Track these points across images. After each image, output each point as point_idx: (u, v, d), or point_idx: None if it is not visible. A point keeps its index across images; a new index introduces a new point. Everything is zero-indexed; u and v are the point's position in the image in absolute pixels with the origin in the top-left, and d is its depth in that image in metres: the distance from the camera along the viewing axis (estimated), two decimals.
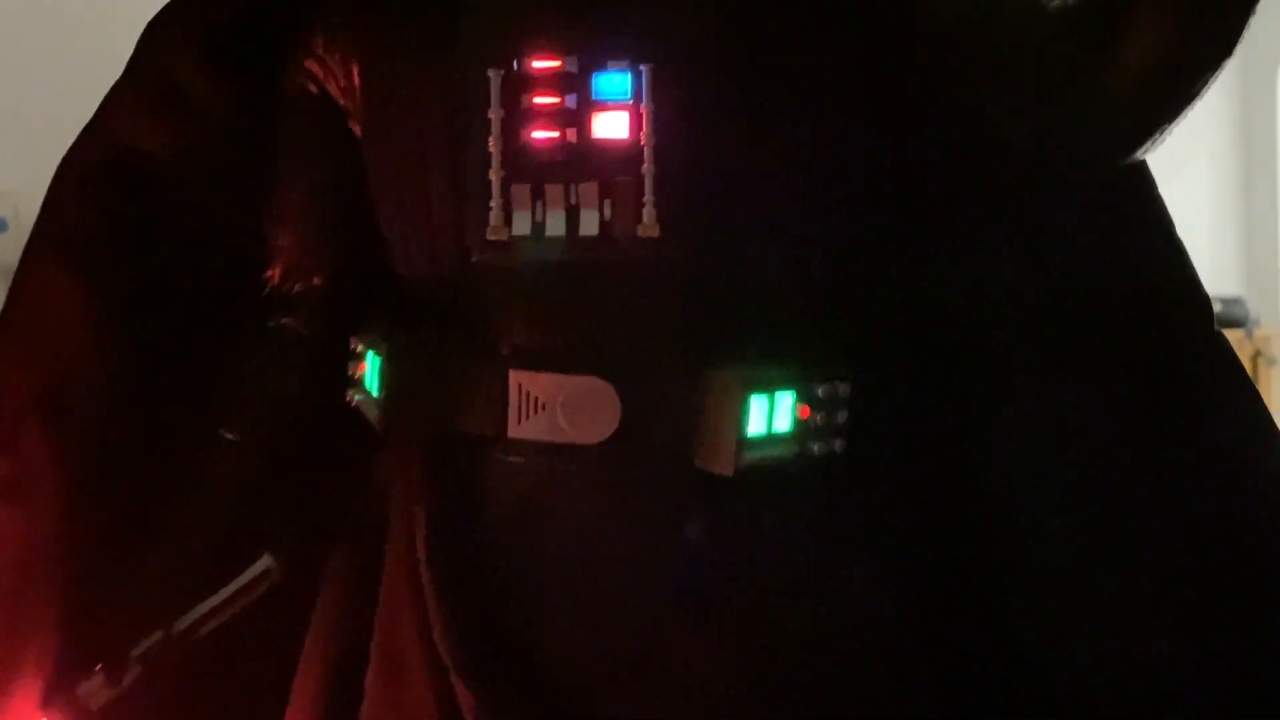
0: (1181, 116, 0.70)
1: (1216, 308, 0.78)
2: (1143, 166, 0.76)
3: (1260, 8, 0.66)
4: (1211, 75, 0.68)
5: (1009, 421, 0.78)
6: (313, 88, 0.79)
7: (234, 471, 0.82)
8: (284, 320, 0.83)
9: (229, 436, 0.82)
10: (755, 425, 0.70)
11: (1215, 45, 0.67)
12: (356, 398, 0.79)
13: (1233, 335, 3.81)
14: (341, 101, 0.79)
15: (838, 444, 0.73)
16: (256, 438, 0.82)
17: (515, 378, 0.71)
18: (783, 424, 0.71)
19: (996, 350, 0.78)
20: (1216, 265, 4.17)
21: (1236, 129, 4.17)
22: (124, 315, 0.80)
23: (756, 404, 0.70)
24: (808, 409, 0.72)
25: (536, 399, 0.71)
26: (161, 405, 0.82)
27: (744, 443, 0.69)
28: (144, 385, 0.81)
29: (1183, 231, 0.77)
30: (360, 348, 0.78)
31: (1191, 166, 3.88)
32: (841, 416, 0.73)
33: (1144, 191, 0.77)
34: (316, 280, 0.82)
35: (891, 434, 0.76)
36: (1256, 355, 3.95)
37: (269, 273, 0.82)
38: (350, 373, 0.79)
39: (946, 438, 0.79)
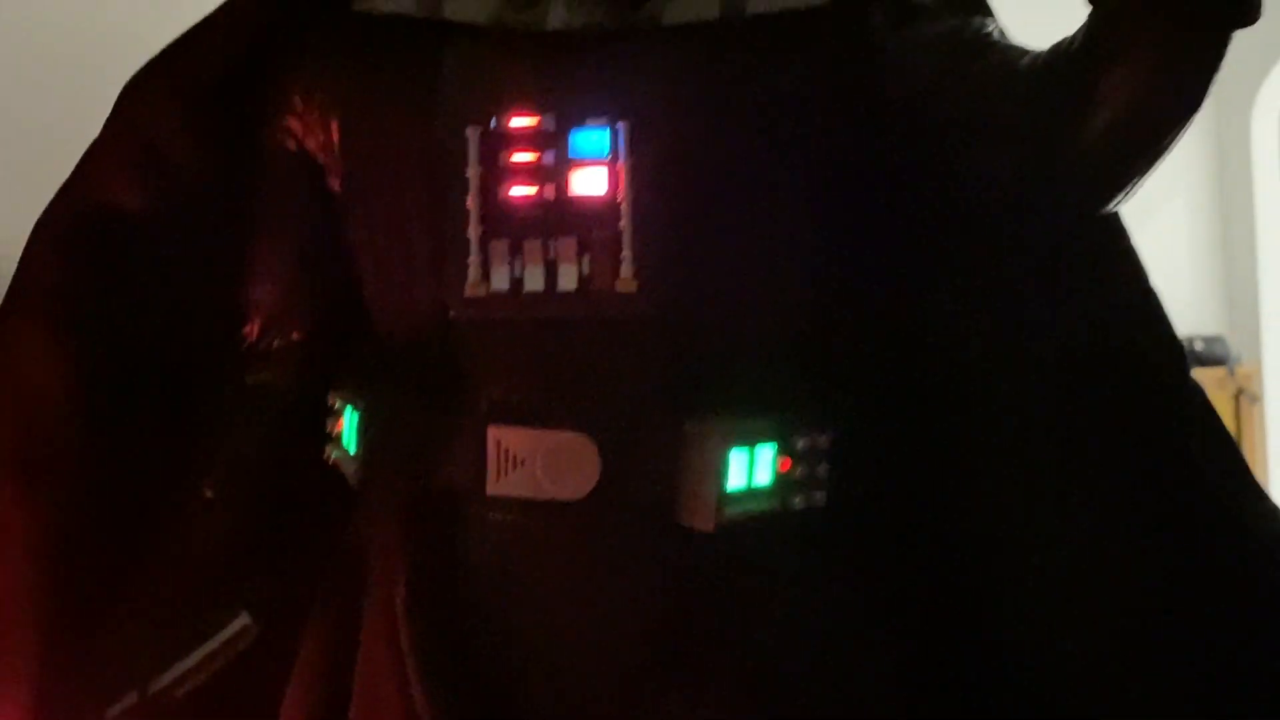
0: (1152, 170, 0.71)
1: (1198, 346, 0.79)
2: (1115, 218, 0.77)
3: (1233, 45, 0.67)
4: (1180, 129, 0.68)
5: (989, 472, 0.79)
6: (291, 144, 0.80)
7: (211, 529, 0.81)
8: (262, 376, 0.82)
9: (206, 494, 0.82)
10: (736, 479, 0.69)
11: (1183, 101, 0.68)
12: (334, 454, 0.78)
13: (1215, 373, 3.85)
14: (320, 158, 0.79)
15: (819, 497, 0.73)
16: (234, 495, 0.82)
17: (494, 433, 0.71)
18: (763, 478, 0.71)
19: (975, 401, 0.79)
20: (1197, 304, 4.19)
21: (1212, 169, 4.20)
22: (100, 373, 0.80)
23: (736, 458, 0.69)
24: (789, 462, 0.72)
25: (515, 455, 0.70)
26: (138, 463, 0.81)
27: (724, 498, 0.69)
28: (120, 443, 0.80)
29: (1162, 271, 0.78)
30: (338, 404, 0.78)
31: (1169, 207, 3.92)
32: (822, 469, 0.73)
33: (1117, 243, 0.78)
34: (295, 335, 0.82)
35: (873, 486, 0.76)
36: (1239, 393, 3.96)
37: (247, 328, 0.82)
38: (327, 429, 0.78)
39: (928, 489, 0.79)
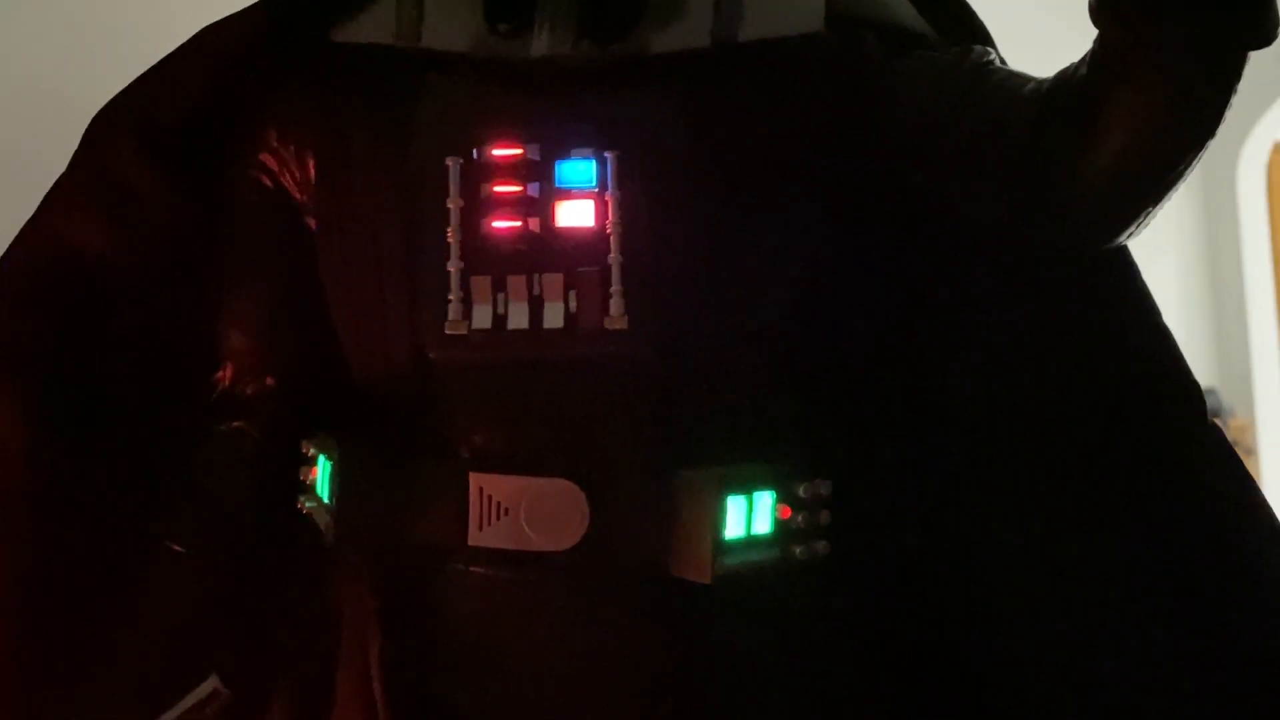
0: (1165, 200, 0.67)
1: (1189, 366, 0.75)
2: (1125, 252, 0.74)
3: None
4: (1194, 158, 0.65)
5: (997, 515, 0.75)
6: (267, 181, 0.76)
7: (179, 585, 0.77)
8: (234, 423, 0.78)
9: (174, 548, 0.77)
10: (733, 528, 0.65)
11: (1197, 128, 0.63)
12: (307, 504, 0.74)
13: None
14: (296, 195, 0.76)
15: (821, 546, 0.69)
16: (203, 549, 0.77)
17: (476, 481, 0.67)
18: (762, 526, 0.67)
19: (982, 441, 0.75)
20: (1188, 358, 4.19)
21: (1199, 221, 4.22)
22: (61, 425, 0.75)
23: (734, 505, 0.65)
24: (788, 509, 0.68)
25: (498, 503, 0.66)
26: (101, 517, 0.77)
27: (721, 548, 0.65)
28: (82, 497, 0.76)
29: None
30: (312, 451, 0.74)
31: (1157, 260, 3.93)
32: (824, 517, 0.69)
33: (1128, 277, 0.75)
34: (269, 381, 0.78)
35: (876, 533, 0.72)
36: (1233, 445, 3.94)
37: (219, 374, 0.78)
38: (301, 478, 0.74)
39: (932, 535, 0.75)
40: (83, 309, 0.76)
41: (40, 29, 3.07)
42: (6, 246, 0.77)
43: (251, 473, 0.78)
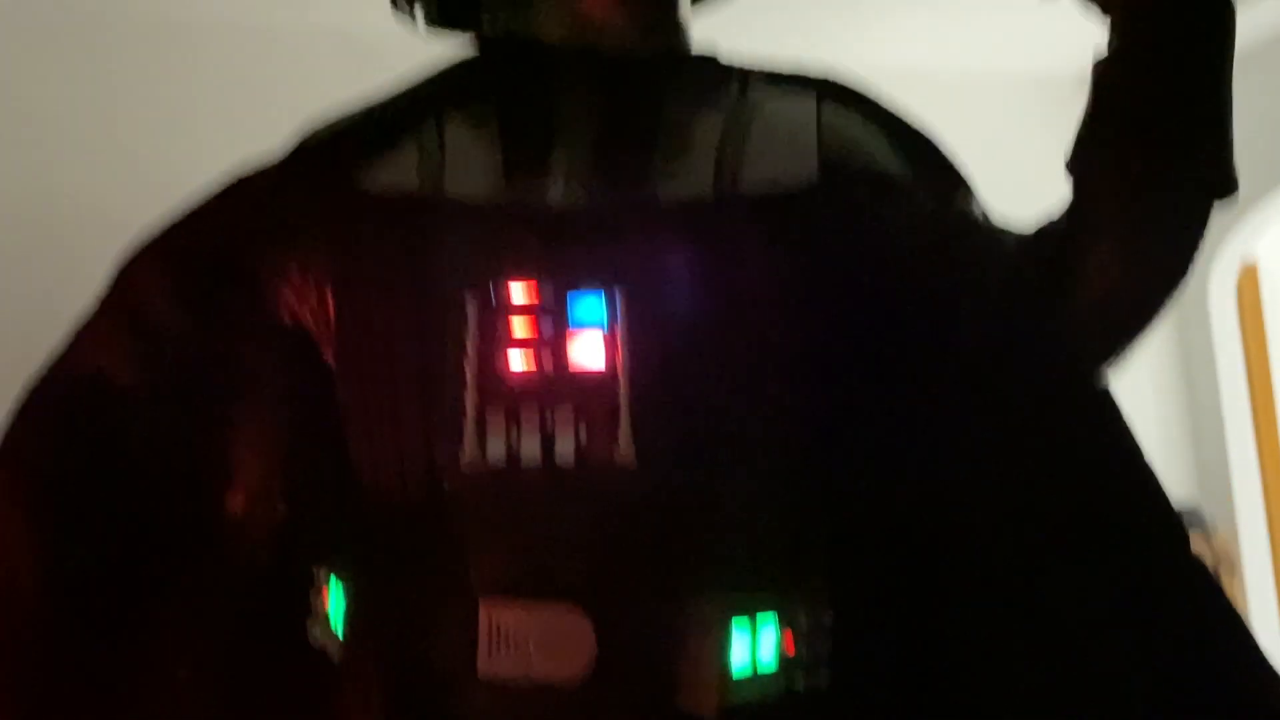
0: (1141, 338, 0.72)
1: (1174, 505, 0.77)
2: (1106, 391, 0.77)
3: None
4: (1167, 300, 0.70)
5: (995, 649, 0.76)
6: (286, 316, 0.80)
7: (188, 711, 0.77)
8: (245, 549, 0.80)
9: (182, 675, 0.78)
10: (738, 661, 0.67)
11: (1169, 274, 0.69)
12: (318, 631, 0.75)
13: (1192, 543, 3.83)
14: (315, 328, 0.79)
15: (823, 676, 0.70)
16: (211, 676, 0.78)
17: (486, 609, 0.68)
18: (767, 658, 0.68)
19: (977, 573, 0.77)
20: (1168, 474, 4.20)
21: (1174, 343, 4.31)
22: (75, 553, 0.77)
23: (739, 638, 0.67)
24: (791, 640, 0.69)
25: (508, 632, 0.68)
26: (111, 644, 0.77)
27: (727, 680, 0.66)
28: (93, 625, 0.77)
29: None
30: (323, 578, 0.75)
31: (1134, 382, 3.99)
32: (826, 647, 0.71)
33: (1110, 413, 0.77)
34: (280, 507, 0.80)
35: (877, 664, 0.74)
36: (1217, 563, 3.94)
37: (231, 500, 0.80)
38: (311, 604, 0.75)
39: (934, 665, 0.76)
40: (107, 436, 0.78)
41: (83, 158, 3.17)
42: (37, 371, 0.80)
43: (260, 599, 0.79)
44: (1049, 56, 4.11)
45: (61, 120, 3.20)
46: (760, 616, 0.68)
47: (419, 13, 0.88)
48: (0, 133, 3.16)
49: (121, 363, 0.78)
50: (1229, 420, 4.29)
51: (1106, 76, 0.64)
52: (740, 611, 0.68)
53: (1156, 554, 0.75)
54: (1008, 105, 4.24)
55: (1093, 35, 0.65)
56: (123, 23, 3.29)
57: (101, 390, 0.78)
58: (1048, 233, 0.71)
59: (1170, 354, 4.38)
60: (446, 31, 0.90)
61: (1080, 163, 0.65)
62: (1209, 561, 3.99)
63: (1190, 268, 0.69)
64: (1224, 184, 0.64)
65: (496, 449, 0.68)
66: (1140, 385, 4.38)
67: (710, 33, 0.87)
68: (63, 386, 0.79)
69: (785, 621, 0.69)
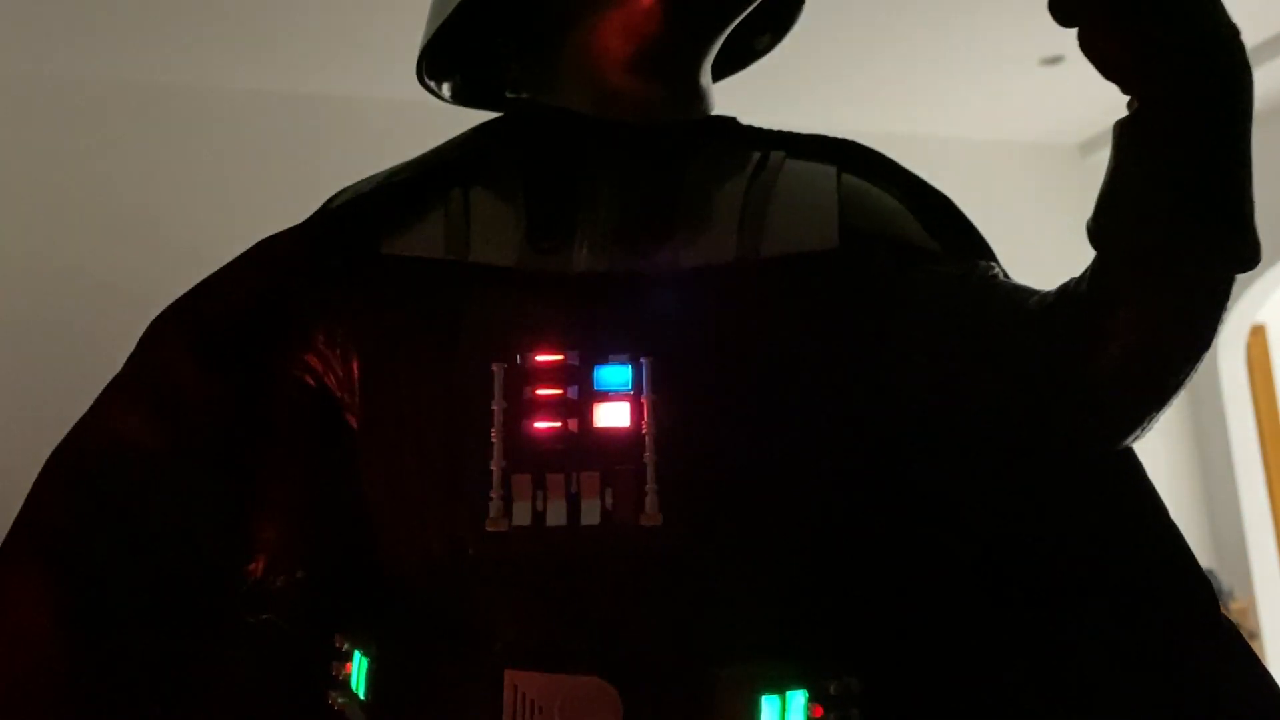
0: (1168, 405, 0.71)
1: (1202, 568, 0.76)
2: (1131, 454, 0.77)
3: None
4: (1192, 369, 0.69)
5: (1027, 711, 0.75)
6: (310, 380, 0.80)
7: None
8: (265, 616, 0.79)
9: None
10: None
11: (1192, 342, 0.68)
12: (340, 700, 0.74)
13: None
14: (339, 394, 0.79)
15: None
16: None
17: (510, 678, 0.67)
18: None
19: (1005, 638, 0.76)
20: None
21: (1185, 407, 4.30)
22: (99, 618, 0.76)
23: (768, 705, 0.66)
24: (820, 708, 0.68)
25: (533, 702, 0.67)
26: (130, 710, 0.76)
27: None
28: (111, 689, 0.76)
29: None
30: (346, 646, 0.74)
31: (1147, 449, 3.97)
32: (855, 715, 0.70)
33: (1136, 476, 0.77)
34: (300, 574, 0.80)
35: None
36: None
37: (251, 565, 0.79)
38: (334, 673, 0.75)
39: None
40: (128, 502, 0.78)
41: (99, 230, 3.22)
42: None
43: (280, 666, 0.78)
44: (1050, 124, 4.17)
45: (76, 191, 3.25)
46: (789, 684, 0.67)
47: (445, 88, 0.89)
48: (14, 205, 3.21)
49: (145, 428, 0.78)
50: (1243, 484, 4.26)
51: (1125, 139, 0.64)
52: (770, 680, 0.67)
53: (1186, 614, 0.74)
54: (1009, 172, 4.30)
55: (1094, 102, 0.66)
56: (135, 92, 3.36)
57: (124, 455, 0.78)
58: (1071, 294, 0.71)
59: (1181, 417, 4.38)
60: (472, 106, 0.92)
61: (1101, 226, 0.66)
62: None
63: (1212, 337, 0.68)
64: (1247, 254, 0.63)
65: (522, 513, 0.68)
66: (1153, 449, 4.37)
67: (718, 98, 0.89)
68: (86, 451, 0.79)
69: (813, 689, 0.68)
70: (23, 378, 3.08)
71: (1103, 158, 0.66)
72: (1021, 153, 4.36)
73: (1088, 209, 0.67)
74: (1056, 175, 4.31)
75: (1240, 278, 0.67)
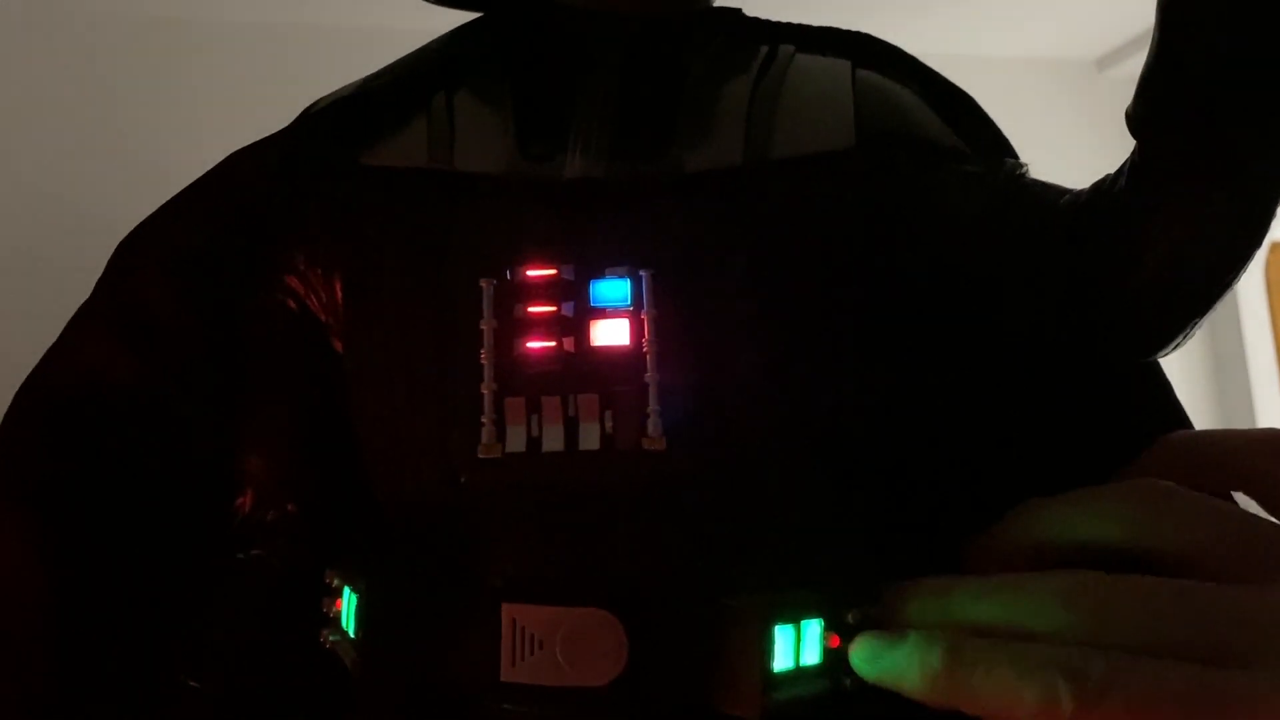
0: (1211, 310, 0.66)
1: None
2: (1159, 370, 0.72)
3: None
4: (1242, 268, 0.63)
5: None
6: (292, 304, 0.75)
7: None
8: (255, 551, 0.75)
9: (191, 683, 0.74)
10: (781, 660, 0.62)
11: (1244, 241, 0.62)
12: (331, 638, 0.71)
13: None
14: (323, 317, 0.75)
15: None
16: (220, 684, 0.74)
17: (509, 612, 0.63)
18: (811, 656, 0.63)
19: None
20: None
21: (1202, 325, 4.26)
22: (76, 555, 0.73)
23: (781, 636, 0.62)
24: (837, 638, 0.64)
25: (533, 636, 0.63)
26: (115, 651, 0.73)
27: (770, 681, 0.61)
28: (95, 630, 0.73)
29: None
30: (336, 583, 0.71)
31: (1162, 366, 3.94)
32: None
33: (1163, 388, 0.73)
34: (290, 507, 0.76)
35: None
36: None
37: (239, 500, 0.76)
38: (325, 610, 0.71)
39: None
40: (106, 436, 0.74)
41: (83, 157, 3.16)
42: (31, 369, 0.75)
43: (272, 603, 0.75)
44: (1065, 39, 4.05)
45: (59, 120, 3.18)
46: (804, 613, 0.63)
47: None
48: (22, 133, 3.16)
49: (118, 358, 0.74)
50: (1259, 404, 4.22)
51: (1171, 5, 0.58)
52: (784, 609, 0.63)
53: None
54: (1023, 89, 4.19)
55: (1111, 15, 0.60)
56: (121, 22, 3.28)
57: (97, 389, 0.74)
58: (1107, 192, 0.65)
59: (1198, 337, 4.33)
60: (458, 6, 0.86)
61: (1143, 111, 0.60)
62: None
63: (1265, 234, 0.62)
64: None
65: (516, 438, 0.64)
66: (1168, 369, 4.33)
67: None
68: (57, 385, 0.74)
69: (830, 618, 0.64)
70: (11, 311, 3.04)
71: (1120, 72, 0.60)
72: (1036, 68, 4.24)
73: (1106, 127, 0.61)
74: (1073, 91, 4.19)
75: None
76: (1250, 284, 4.20)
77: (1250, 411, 4.19)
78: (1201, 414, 4.21)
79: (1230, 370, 4.25)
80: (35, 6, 3.07)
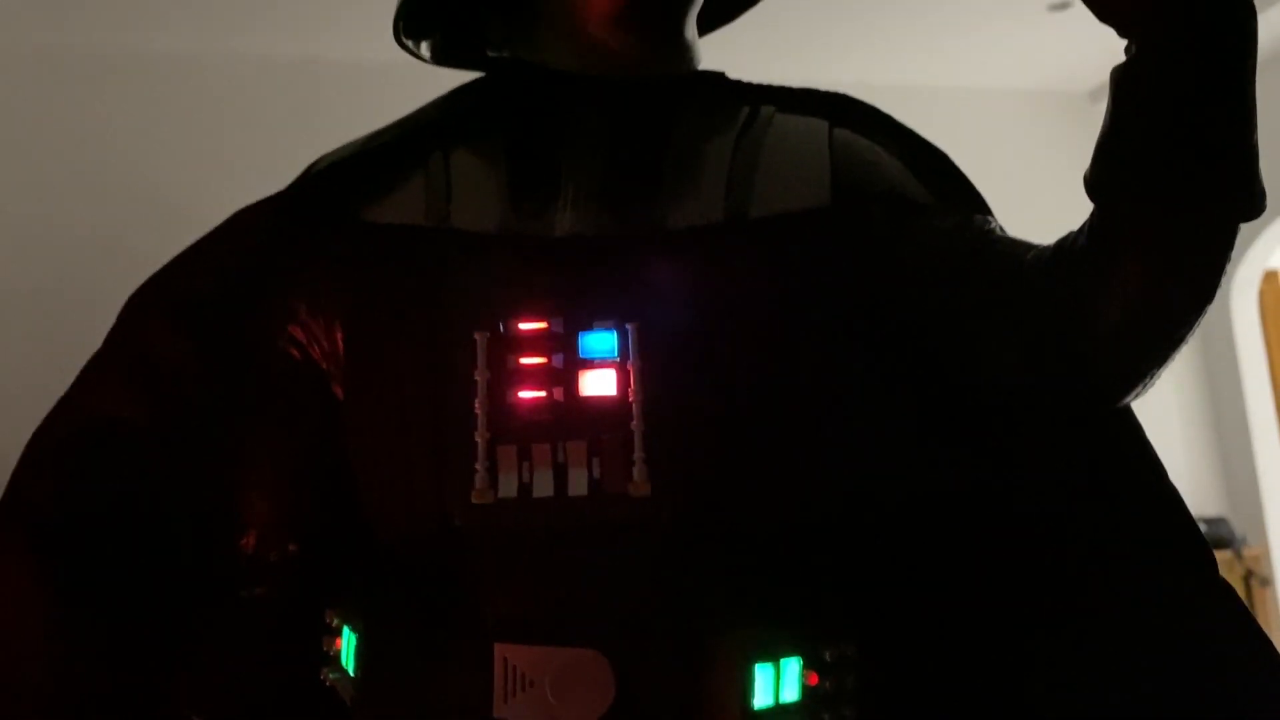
0: (1169, 360, 0.69)
1: (1201, 529, 0.74)
2: (1128, 411, 0.75)
3: None
4: (1194, 322, 0.67)
5: (1020, 673, 0.74)
6: (295, 352, 0.78)
7: None
8: (257, 590, 0.78)
9: (194, 719, 0.76)
10: (761, 697, 0.65)
11: (1195, 294, 0.65)
12: (331, 675, 0.74)
13: (1222, 556, 3.76)
14: (324, 365, 0.78)
15: (848, 712, 0.68)
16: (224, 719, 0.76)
17: (500, 651, 0.66)
18: (790, 693, 0.66)
19: (998, 600, 0.75)
20: (1197, 487, 4.16)
21: (1197, 353, 4.27)
22: (85, 596, 0.76)
23: (761, 673, 0.65)
24: (816, 675, 0.67)
25: (524, 674, 0.66)
26: (122, 689, 0.76)
27: (750, 717, 0.64)
28: (103, 668, 0.76)
29: (1159, 456, 0.75)
30: (336, 622, 0.74)
31: (1160, 397, 3.94)
32: (851, 681, 0.68)
33: (1133, 436, 0.75)
34: (291, 547, 0.79)
35: (903, 698, 0.72)
36: (1248, 575, 3.87)
37: (242, 540, 0.79)
38: (325, 648, 0.74)
39: (958, 698, 0.74)
40: (115, 478, 0.77)
41: (95, 193, 3.20)
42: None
43: (273, 641, 0.78)
44: (1059, 71, 4.10)
45: (73, 155, 3.23)
46: (783, 651, 0.66)
47: (424, 48, 0.87)
48: (10, 168, 3.20)
49: (128, 404, 0.77)
50: (1256, 431, 4.24)
51: (1123, 86, 0.61)
52: (763, 647, 0.66)
53: (1183, 575, 0.72)
54: (1018, 121, 4.24)
55: (1103, 49, 0.63)
56: (130, 58, 3.33)
57: (109, 432, 0.77)
58: (1070, 247, 0.68)
59: (1194, 364, 4.34)
60: (453, 65, 0.89)
61: (1100, 178, 0.63)
62: (1240, 573, 3.93)
63: (1215, 290, 0.65)
64: (1250, 203, 0.61)
65: (508, 484, 0.67)
66: (1165, 396, 4.35)
67: (712, 51, 0.86)
68: (70, 430, 0.78)
69: (808, 656, 0.67)
70: (22, 346, 3.08)
71: None
72: (1031, 101, 4.30)
73: None
74: (1066, 123, 4.24)
75: (1253, 223, 0.64)
76: (1245, 311, 4.24)
77: (1247, 435, 4.20)
78: (1198, 437, 4.23)
79: (1226, 395, 4.27)
80: (32, 44, 3.13)
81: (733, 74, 0.83)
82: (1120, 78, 0.61)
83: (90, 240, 3.19)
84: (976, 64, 4.04)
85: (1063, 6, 3.45)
